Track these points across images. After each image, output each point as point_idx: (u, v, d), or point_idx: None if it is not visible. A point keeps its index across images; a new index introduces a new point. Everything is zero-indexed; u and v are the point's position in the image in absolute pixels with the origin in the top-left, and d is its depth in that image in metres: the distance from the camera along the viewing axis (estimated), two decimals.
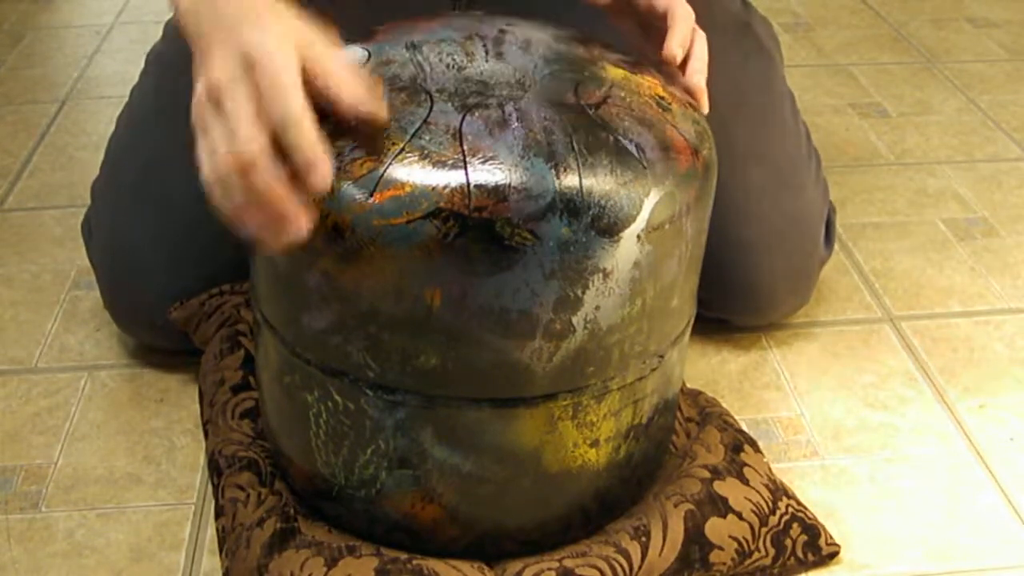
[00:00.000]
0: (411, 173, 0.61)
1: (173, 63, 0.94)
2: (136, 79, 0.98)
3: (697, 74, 0.75)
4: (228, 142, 0.59)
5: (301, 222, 0.60)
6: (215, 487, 0.80)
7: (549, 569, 0.71)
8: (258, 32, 0.60)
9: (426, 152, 0.62)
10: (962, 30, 1.65)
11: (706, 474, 0.78)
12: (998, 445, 0.90)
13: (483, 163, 0.62)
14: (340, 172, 0.62)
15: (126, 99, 0.98)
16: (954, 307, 1.06)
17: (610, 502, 0.75)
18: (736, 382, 0.96)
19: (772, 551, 0.76)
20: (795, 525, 0.77)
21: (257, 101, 0.59)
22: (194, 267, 0.90)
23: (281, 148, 0.59)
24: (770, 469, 0.80)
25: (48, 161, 1.29)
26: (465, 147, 0.63)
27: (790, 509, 0.78)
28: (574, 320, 0.64)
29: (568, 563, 0.71)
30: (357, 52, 0.71)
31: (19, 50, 1.57)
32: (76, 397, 0.93)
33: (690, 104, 0.72)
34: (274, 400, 0.74)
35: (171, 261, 0.90)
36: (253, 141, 0.58)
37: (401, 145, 0.63)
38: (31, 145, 1.32)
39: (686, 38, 0.74)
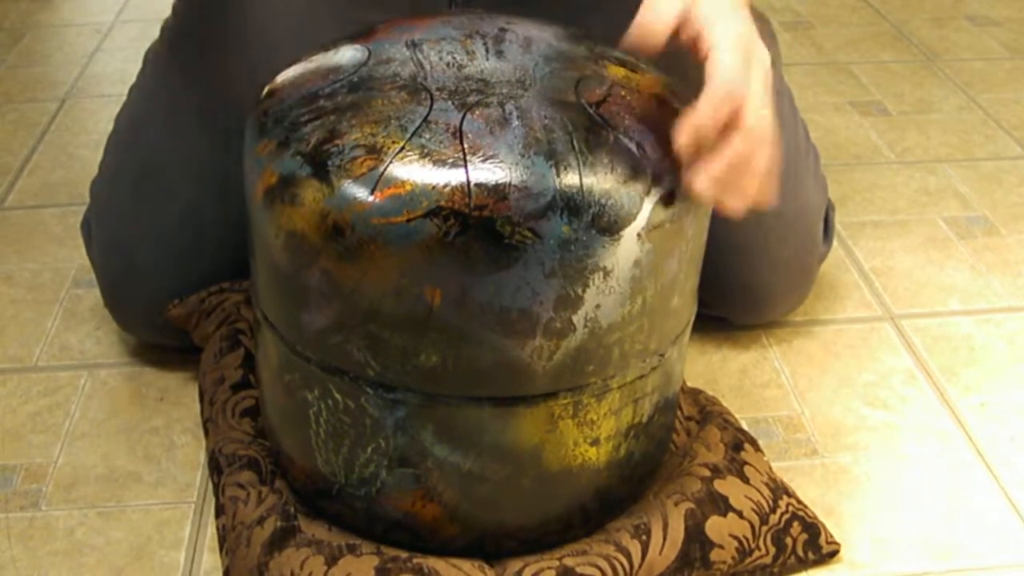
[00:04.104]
0: (411, 171, 0.61)
1: (171, 63, 0.94)
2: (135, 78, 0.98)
3: (705, 183, 0.62)
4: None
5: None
6: (215, 485, 0.80)
7: (549, 568, 0.71)
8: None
9: (426, 151, 0.62)
10: (962, 28, 1.65)
11: (706, 473, 0.78)
12: (998, 444, 0.90)
13: (483, 161, 0.62)
14: (340, 170, 0.62)
15: (125, 98, 0.98)
16: (954, 305, 1.06)
17: (610, 501, 0.75)
18: (736, 380, 0.96)
19: (772, 550, 0.76)
20: (795, 524, 0.77)
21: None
22: (194, 266, 0.90)
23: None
24: (770, 468, 0.80)
25: (48, 159, 1.29)
26: (465, 145, 0.62)
27: (790, 508, 0.78)
28: (574, 319, 0.64)
29: (568, 562, 0.71)
30: (356, 51, 0.71)
31: (19, 49, 1.57)
32: (76, 396, 0.93)
33: (690, 103, 0.71)
34: (274, 398, 0.74)
35: (171, 260, 0.90)
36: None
37: (401, 144, 0.63)
38: (31, 143, 1.32)
39: (703, 126, 0.61)
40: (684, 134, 0.62)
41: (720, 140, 0.62)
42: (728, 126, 0.62)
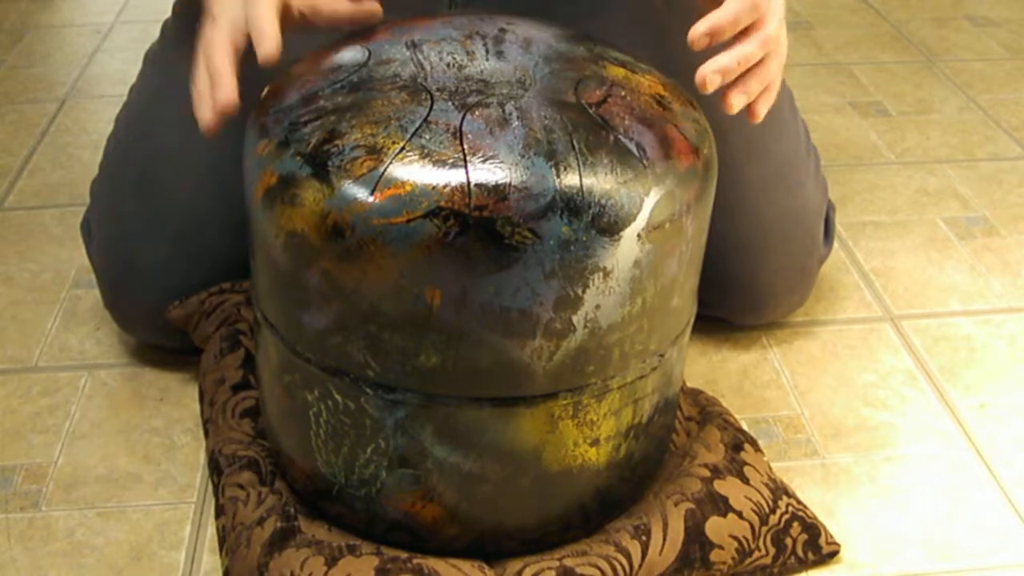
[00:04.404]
0: (411, 172, 0.61)
1: (171, 63, 0.94)
2: (136, 79, 0.98)
3: (712, 72, 0.65)
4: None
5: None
6: (215, 486, 0.80)
7: (549, 568, 0.71)
8: None
9: (426, 151, 0.62)
10: (962, 29, 1.65)
11: (706, 473, 0.78)
12: (998, 445, 0.90)
13: (483, 162, 0.62)
14: (340, 171, 0.62)
15: (125, 98, 0.98)
16: (954, 306, 1.06)
17: (610, 501, 0.75)
18: (736, 381, 0.96)
19: (772, 550, 0.76)
20: (795, 524, 0.77)
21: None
22: (194, 266, 0.90)
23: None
24: (770, 468, 0.80)
25: (48, 160, 1.29)
26: (465, 146, 0.63)
27: (790, 508, 0.78)
28: (574, 319, 0.64)
29: (568, 562, 0.71)
30: (356, 51, 0.71)
31: (19, 49, 1.57)
32: (76, 396, 0.93)
33: (690, 103, 0.72)
34: (274, 399, 0.74)
35: (171, 261, 0.90)
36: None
37: (401, 144, 0.63)
38: (31, 144, 1.32)
39: (720, 24, 0.65)
40: (703, 24, 0.65)
41: (736, 41, 0.66)
42: (744, 33, 0.66)
